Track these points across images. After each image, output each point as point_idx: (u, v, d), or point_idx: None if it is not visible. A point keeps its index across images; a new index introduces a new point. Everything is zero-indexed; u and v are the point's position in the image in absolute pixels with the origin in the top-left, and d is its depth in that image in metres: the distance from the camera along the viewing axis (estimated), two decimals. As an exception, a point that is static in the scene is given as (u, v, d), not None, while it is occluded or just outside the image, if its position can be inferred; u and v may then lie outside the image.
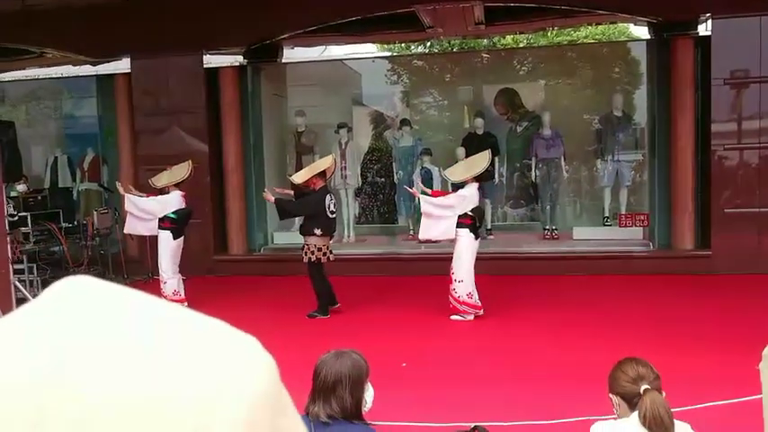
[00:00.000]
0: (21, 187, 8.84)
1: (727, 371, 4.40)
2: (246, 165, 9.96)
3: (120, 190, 7.43)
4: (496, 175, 10.16)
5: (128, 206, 7.27)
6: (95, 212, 9.19)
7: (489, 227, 10.17)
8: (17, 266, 7.53)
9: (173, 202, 7.11)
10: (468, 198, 6.41)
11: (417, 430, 3.91)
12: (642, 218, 9.27)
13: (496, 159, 10.10)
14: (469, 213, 6.36)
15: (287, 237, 10.45)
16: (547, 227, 9.90)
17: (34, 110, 11.66)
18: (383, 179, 10.80)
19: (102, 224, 9.05)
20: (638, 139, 9.91)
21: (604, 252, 8.87)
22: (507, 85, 10.89)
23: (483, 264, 8.85)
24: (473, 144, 9.98)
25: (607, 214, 9.79)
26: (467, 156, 9.72)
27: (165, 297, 6.97)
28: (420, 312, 6.75)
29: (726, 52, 8.26)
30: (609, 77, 10.82)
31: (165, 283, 7.12)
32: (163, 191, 7.34)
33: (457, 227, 6.44)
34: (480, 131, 10.09)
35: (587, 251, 8.96)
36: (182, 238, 7.21)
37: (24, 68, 10.64)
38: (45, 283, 8.33)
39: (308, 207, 6.74)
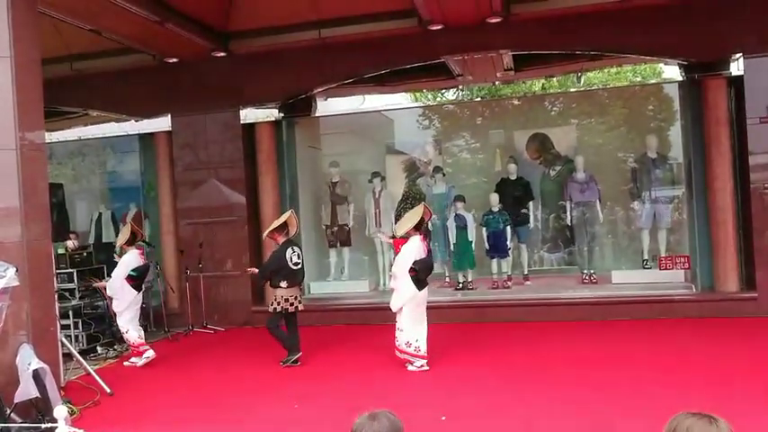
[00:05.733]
0: (71, 243, 9.15)
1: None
2: (283, 216, 10.12)
3: (97, 285, 8.20)
4: (531, 220, 10.13)
5: (109, 292, 7.75)
6: (137, 267, 9.41)
7: (526, 272, 10.09)
8: (63, 322, 7.75)
9: (131, 260, 7.70)
10: (410, 251, 6.53)
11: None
12: (683, 260, 9.10)
13: (531, 204, 10.09)
14: (412, 266, 6.46)
15: (324, 286, 10.54)
16: (585, 270, 9.78)
17: (79, 167, 12.09)
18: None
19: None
20: (675, 180, 9.80)
21: (645, 296, 8.72)
22: (539, 130, 10.94)
23: (521, 310, 8.83)
24: (506, 189, 10.03)
25: (646, 257, 9.63)
26: (500, 200, 9.78)
27: (132, 345, 7.61)
28: (453, 363, 6.67)
29: (759, 90, 8.19)
30: (642, 117, 10.78)
31: (126, 332, 7.60)
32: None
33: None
34: (513, 177, 10.13)
35: (628, 295, 8.81)
36: (141, 292, 7.82)
37: (70, 127, 11.07)
38: (90, 338, 8.55)
39: (271, 264, 7.24)
